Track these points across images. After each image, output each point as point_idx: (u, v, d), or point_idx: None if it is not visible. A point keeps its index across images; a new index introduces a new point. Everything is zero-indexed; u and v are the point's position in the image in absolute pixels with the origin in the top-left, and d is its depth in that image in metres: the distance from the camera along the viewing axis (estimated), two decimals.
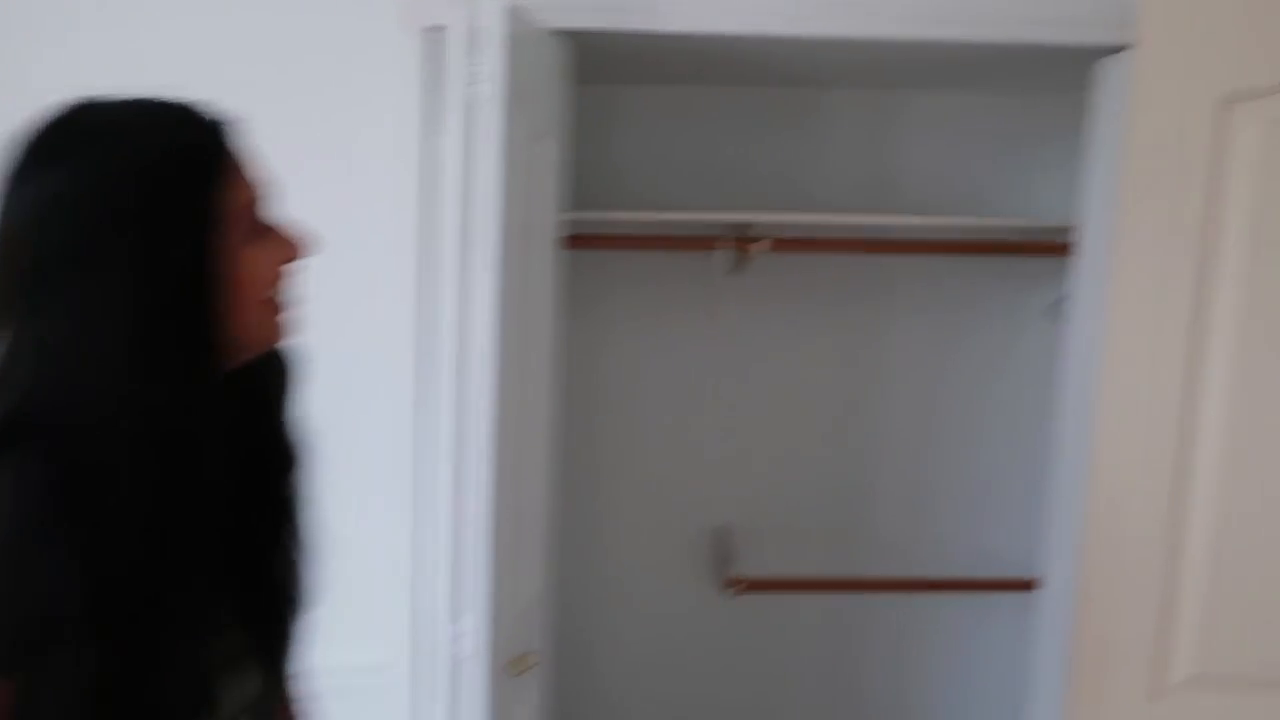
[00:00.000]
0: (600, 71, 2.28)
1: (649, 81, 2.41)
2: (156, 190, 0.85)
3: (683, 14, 1.76)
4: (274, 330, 0.97)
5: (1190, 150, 1.43)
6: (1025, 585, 2.42)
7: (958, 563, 2.59)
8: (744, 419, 2.58)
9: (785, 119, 2.48)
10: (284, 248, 0.95)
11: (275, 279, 0.96)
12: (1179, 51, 1.41)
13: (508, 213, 1.53)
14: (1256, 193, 1.44)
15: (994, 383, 2.60)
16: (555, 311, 1.93)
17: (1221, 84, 1.42)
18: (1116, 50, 1.75)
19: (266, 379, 1.02)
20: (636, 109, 2.46)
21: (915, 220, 2.20)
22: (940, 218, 2.20)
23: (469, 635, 1.56)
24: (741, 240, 2.29)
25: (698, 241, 2.32)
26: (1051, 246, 2.31)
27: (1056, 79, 2.16)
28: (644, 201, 2.46)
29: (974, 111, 2.48)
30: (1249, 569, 1.58)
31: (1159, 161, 1.43)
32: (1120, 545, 1.59)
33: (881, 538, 2.63)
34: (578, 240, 2.23)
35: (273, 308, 0.96)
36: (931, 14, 1.75)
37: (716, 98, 2.46)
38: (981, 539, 2.65)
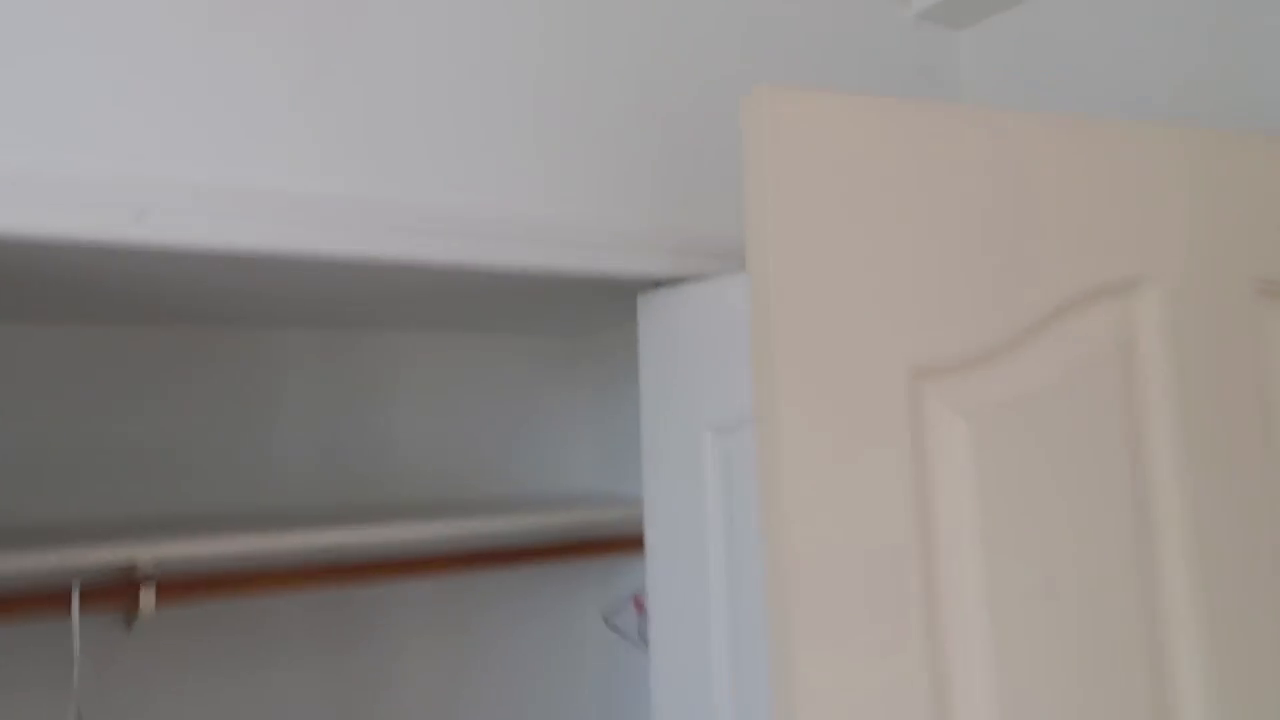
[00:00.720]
0: None
1: None
2: None
3: None
4: None
5: (876, 432, 0.82)
6: None
7: None
8: None
9: (205, 373, 1.62)
10: None
11: None
12: (846, 309, 0.81)
13: None
14: (979, 492, 0.84)
15: None
16: None
17: (908, 355, 0.85)
18: (673, 283, 1.24)
19: None
20: None
21: (405, 531, 1.42)
22: (441, 522, 1.45)
23: None
24: (114, 590, 1.34)
25: (35, 602, 1.32)
26: (608, 544, 1.69)
27: (609, 315, 1.59)
28: None
29: (489, 356, 1.84)
30: None
31: (825, 444, 0.79)
32: None
33: None
34: None
35: None
36: (391, 223, 1.04)
37: (81, 341, 1.54)
38: None
